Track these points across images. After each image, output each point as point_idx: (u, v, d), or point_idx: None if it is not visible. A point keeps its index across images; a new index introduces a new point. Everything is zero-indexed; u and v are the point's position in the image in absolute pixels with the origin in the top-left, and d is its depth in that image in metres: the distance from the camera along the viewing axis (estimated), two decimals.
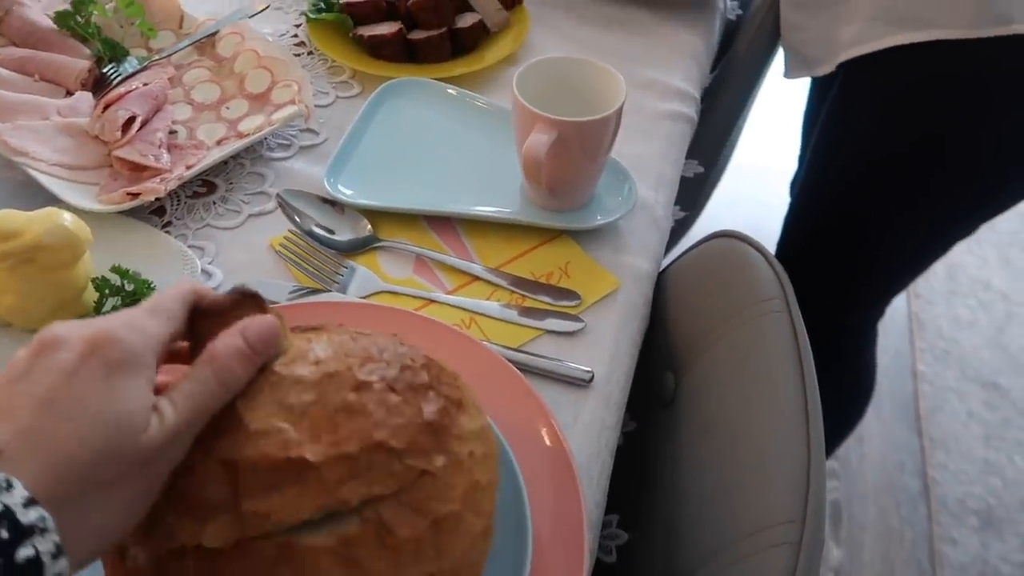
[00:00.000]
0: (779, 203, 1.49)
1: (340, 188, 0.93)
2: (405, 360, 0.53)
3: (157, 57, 1.06)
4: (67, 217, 0.76)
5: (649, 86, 1.13)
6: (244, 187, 0.96)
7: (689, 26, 1.25)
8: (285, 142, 1.01)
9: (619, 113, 0.85)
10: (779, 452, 0.67)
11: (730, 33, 1.40)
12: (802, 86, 1.42)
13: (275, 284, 0.85)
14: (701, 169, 1.31)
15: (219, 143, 0.97)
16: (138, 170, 0.92)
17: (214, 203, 0.94)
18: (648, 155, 1.03)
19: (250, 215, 0.93)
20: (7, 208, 0.76)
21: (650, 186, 0.99)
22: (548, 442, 0.68)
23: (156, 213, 0.92)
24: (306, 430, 0.47)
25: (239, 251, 0.89)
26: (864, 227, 1.24)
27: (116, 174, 0.93)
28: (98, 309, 0.79)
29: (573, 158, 0.85)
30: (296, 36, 1.19)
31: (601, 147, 0.86)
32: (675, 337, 0.87)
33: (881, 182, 1.17)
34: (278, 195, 0.92)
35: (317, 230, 0.90)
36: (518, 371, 0.73)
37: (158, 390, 0.46)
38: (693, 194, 1.57)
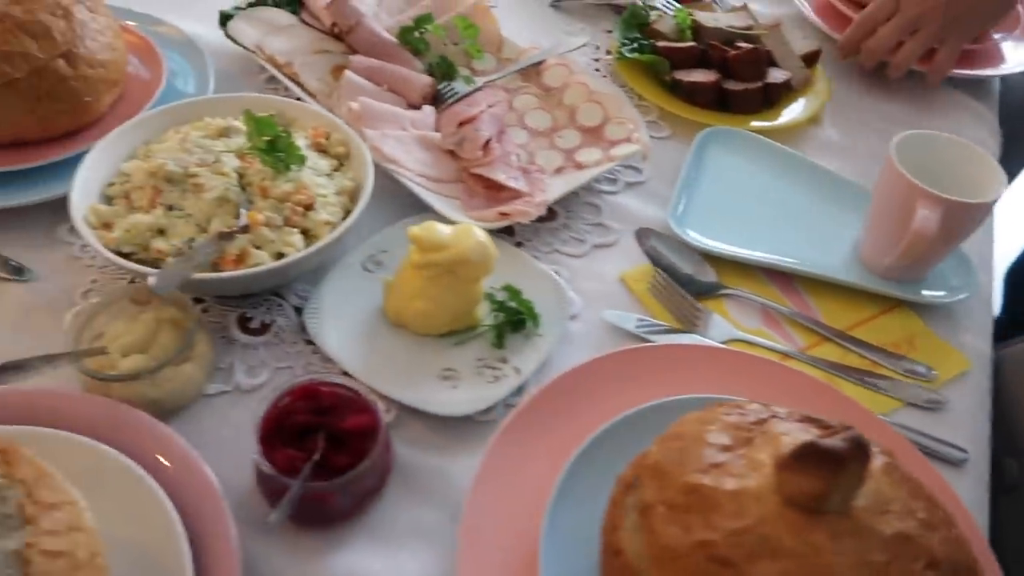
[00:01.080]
0: None
1: (687, 231, 0.95)
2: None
3: (488, 79, 1.11)
4: (482, 235, 0.80)
5: None
6: (583, 217, 1.00)
7: (972, 92, 1.26)
8: (611, 177, 1.05)
9: (996, 201, 0.86)
10: None
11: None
12: None
13: (625, 316, 0.88)
14: None
15: (557, 171, 1.01)
16: (494, 189, 0.96)
17: (557, 229, 0.98)
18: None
19: (594, 245, 0.96)
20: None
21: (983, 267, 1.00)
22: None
23: (506, 232, 0.95)
24: None
25: (590, 280, 0.92)
26: None
27: (471, 191, 0.97)
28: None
29: (945, 236, 0.87)
30: (598, 71, 1.23)
31: (972, 229, 0.88)
32: (1019, 422, 0.88)
33: None
34: (638, 232, 0.96)
35: (674, 268, 0.92)
36: (911, 444, 0.75)
37: None
38: None
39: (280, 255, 0.79)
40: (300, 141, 0.88)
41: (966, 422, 0.83)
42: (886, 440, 0.73)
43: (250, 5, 1.17)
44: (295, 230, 0.81)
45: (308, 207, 0.82)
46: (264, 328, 0.83)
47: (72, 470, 0.58)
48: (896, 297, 0.93)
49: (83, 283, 0.86)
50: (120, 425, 0.68)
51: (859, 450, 0.52)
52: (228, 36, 1.12)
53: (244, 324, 0.83)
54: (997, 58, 1.31)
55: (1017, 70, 1.30)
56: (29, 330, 0.82)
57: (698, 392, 0.76)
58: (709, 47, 1.16)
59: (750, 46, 1.16)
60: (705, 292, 0.92)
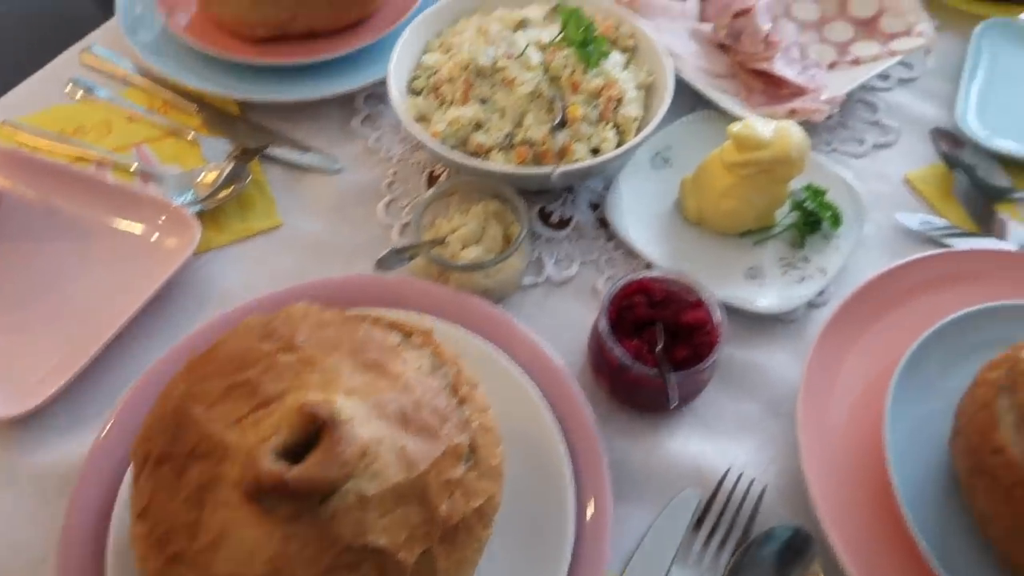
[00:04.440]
0: None
1: (979, 131, 0.92)
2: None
3: None
4: (800, 133, 0.79)
5: None
6: (858, 115, 0.97)
7: None
8: (883, 73, 1.01)
9: None
10: None
11: None
12: None
13: (918, 218, 0.87)
14: None
15: (831, 66, 0.98)
16: (774, 85, 0.94)
17: (834, 128, 0.95)
18: None
19: (874, 145, 0.94)
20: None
21: None
22: None
23: None
24: None
25: (874, 180, 0.91)
26: None
27: (749, 86, 0.95)
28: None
29: None
30: None
31: None
32: None
33: None
34: (932, 132, 0.93)
35: (971, 170, 0.90)
36: None
37: None
38: None
39: (596, 151, 0.81)
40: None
41: None
42: None
43: None
44: (609, 125, 0.82)
45: (619, 101, 0.83)
46: (565, 223, 0.86)
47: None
48: None
49: (385, 175, 0.90)
50: (469, 311, 0.72)
51: None
52: None
53: (545, 218, 0.86)
54: None
55: None
56: (344, 219, 0.86)
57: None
58: None
59: None
60: (999, 195, 0.89)
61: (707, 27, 0.99)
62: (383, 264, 0.74)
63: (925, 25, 0.98)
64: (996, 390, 0.61)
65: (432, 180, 0.89)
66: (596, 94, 0.82)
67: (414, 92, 0.87)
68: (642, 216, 0.85)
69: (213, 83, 0.94)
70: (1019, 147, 0.91)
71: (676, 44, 0.96)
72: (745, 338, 0.78)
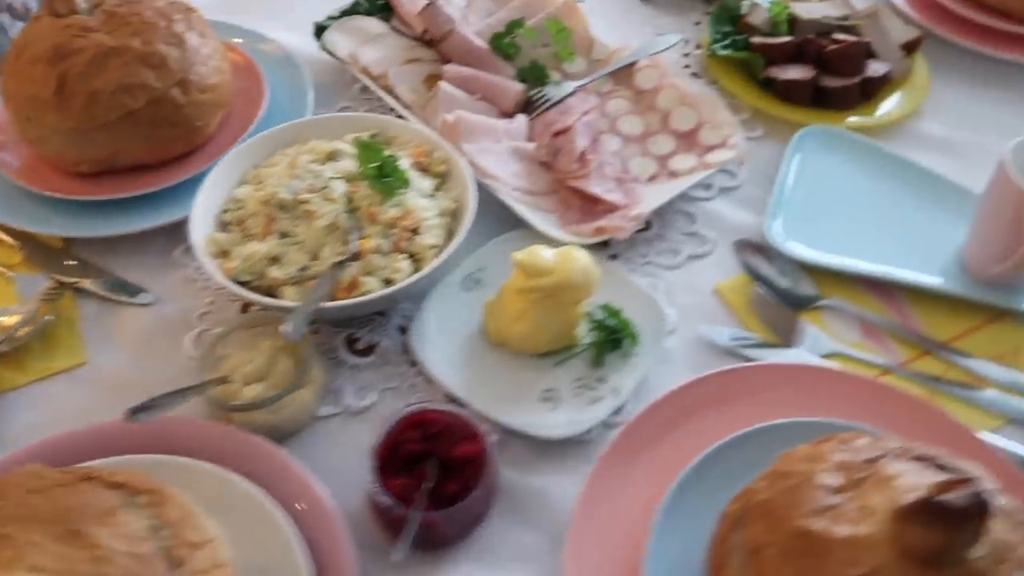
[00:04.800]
0: None
1: (785, 241, 0.94)
2: None
3: (579, 83, 1.10)
4: (585, 257, 0.81)
5: None
6: (677, 226, 1.00)
7: None
8: (705, 182, 1.04)
9: None
10: None
11: None
12: None
13: (721, 331, 0.89)
14: None
15: (651, 179, 1.01)
16: (590, 201, 0.97)
17: (651, 240, 0.98)
18: None
19: (689, 256, 0.96)
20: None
21: None
22: None
23: (600, 243, 0.96)
24: None
25: (685, 292, 0.93)
26: None
27: (567, 203, 0.98)
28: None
29: None
30: (688, 67, 1.22)
31: None
32: None
33: None
34: (736, 244, 0.95)
35: (777, 281, 0.92)
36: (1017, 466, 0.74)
37: None
38: None
39: (389, 281, 0.82)
40: (403, 162, 0.90)
41: None
42: (989, 463, 0.72)
43: (343, 13, 1.19)
44: (402, 255, 0.84)
45: (415, 231, 0.85)
46: (370, 349, 0.87)
47: (202, 496, 0.63)
48: (1003, 307, 0.90)
49: (199, 305, 0.91)
50: (242, 452, 0.73)
51: (980, 507, 0.52)
52: (324, 48, 1.14)
53: (351, 345, 0.87)
54: None
55: None
56: (151, 353, 0.87)
57: (798, 414, 0.76)
58: (805, 41, 1.13)
59: (849, 38, 1.12)
60: (803, 304, 0.91)
61: (531, 146, 1.02)
62: (136, 413, 0.71)
63: (738, 138, 1.02)
64: (732, 524, 0.62)
65: (245, 310, 0.90)
66: (392, 225, 0.84)
67: (224, 225, 0.89)
68: (448, 339, 0.86)
69: (38, 221, 0.95)
70: (822, 255, 0.94)
71: (498, 165, 0.99)
72: (532, 463, 0.78)
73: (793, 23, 1.16)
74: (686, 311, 0.91)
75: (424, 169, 0.93)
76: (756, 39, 1.14)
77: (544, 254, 0.80)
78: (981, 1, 1.22)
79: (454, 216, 0.90)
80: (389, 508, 0.68)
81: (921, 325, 0.90)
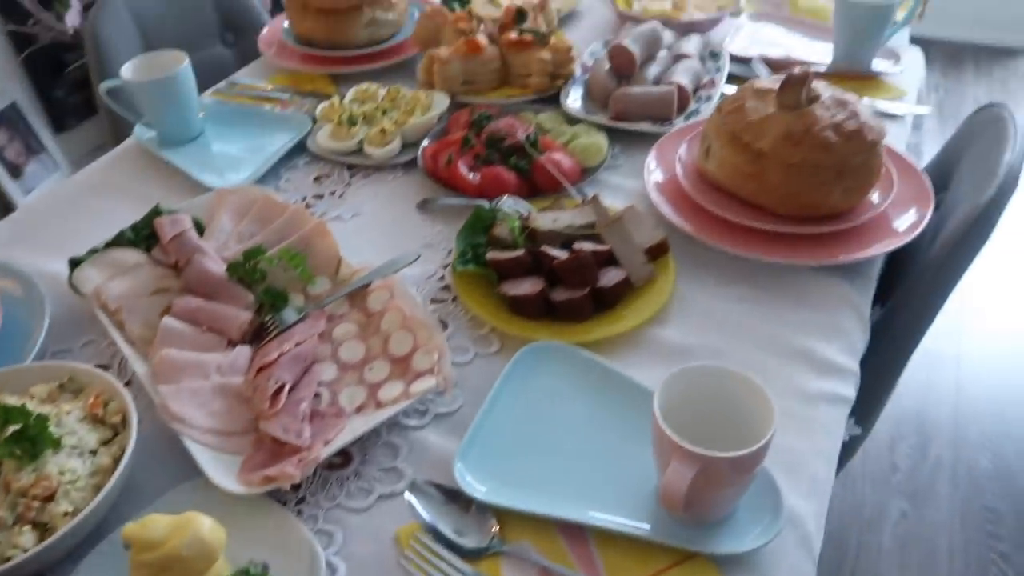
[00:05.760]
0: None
1: (470, 480, 0.91)
2: None
3: (312, 308, 1.11)
4: (206, 525, 0.78)
5: (804, 358, 1.06)
6: (378, 460, 0.96)
7: (847, 277, 1.18)
8: (422, 407, 1.02)
9: (768, 443, 0.79)
10: None
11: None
12: None
13: None
14: (858, 430, 1.22)
15: (358, 410, 0.99)
16: (279, 443, 0.94)
17: (347, 478, 0.95)
18: (801, 452, 0.95)
19: (380, 495, 0.93)
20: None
21: (801, 494, 0.91)
22: None
23: (293, 487, 0.93)
24: None
25: (366, 540, 0.88)
26: None
27: (260, 443, 0.96)
28: None
29: (715, 486, 0.80)
30: (443, 279, 1.22)
31: (748, 476, 0.81)
32: None
33: None
34: (407, 492, 0.91)
35: (444, 529, 0.88)
36: None
37: None
38: (867, 409, 1.42)
39: (7, 558, 0.79)
40: (73, 415, 0.89)
41: None
42: None
43: (107, 245, 1.21)
44: (27, 528, 0.81)
45: (48, 499, 0.83)
46: None
47: None
48: (694, 551, 0.85)
49: None
50: None
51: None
52: (71, 285, 1.16)
53: None
54: (882, 231, 1.21)
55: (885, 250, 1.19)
56: None
57: None
58: (538, 253, 1.13)
59: (584, 248, 1.13)
60: (481, 554, 0.86)
61: (239, 381, 1.01)
62: None
63: (445, 363, 1.00)
64: None
65: None
66: (23, 492, 0.82)
67: None
68: None
69: None
70: (510, 495, 0.89)
71: (194, 406, 0.97)
72: None
73: (533, 234, 1.17)
74: (360, 565, 0.86)
75: (100, 420, 0.92)
76: (491, 253, 1.15)
77: (159, 523, 0.77)
78: (734, 194, 1.23)
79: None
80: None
81: (603, 570, 0.85)
